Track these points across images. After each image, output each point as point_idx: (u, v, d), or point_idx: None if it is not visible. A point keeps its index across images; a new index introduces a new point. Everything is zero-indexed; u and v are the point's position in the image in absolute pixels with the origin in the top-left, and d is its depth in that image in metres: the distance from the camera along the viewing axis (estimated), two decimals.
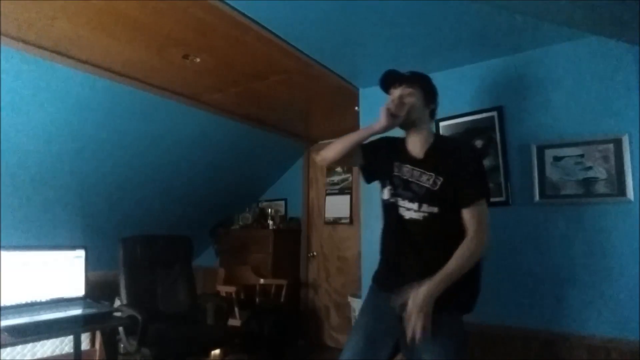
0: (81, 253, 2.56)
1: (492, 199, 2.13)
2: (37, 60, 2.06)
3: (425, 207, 1.46)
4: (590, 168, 1.92)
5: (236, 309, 3.38)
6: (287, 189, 4.43)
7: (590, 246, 1.90)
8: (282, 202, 4.42)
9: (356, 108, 2.72)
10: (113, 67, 2.31)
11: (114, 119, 2.57)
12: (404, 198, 1.51)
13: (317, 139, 4.14)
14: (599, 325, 1.84)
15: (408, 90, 1.52)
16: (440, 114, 2.34)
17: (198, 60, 2.26)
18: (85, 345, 3.15)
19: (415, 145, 1.56)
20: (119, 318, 2.45)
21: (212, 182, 3.70)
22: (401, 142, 1.61)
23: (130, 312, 2.47)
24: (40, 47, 2.03)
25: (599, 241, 1.88)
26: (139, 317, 2.36)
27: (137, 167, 3.00)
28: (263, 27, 1.93)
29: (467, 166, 1.48)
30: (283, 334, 3.63)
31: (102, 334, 2.49)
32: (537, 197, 2.03)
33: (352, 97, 2.71)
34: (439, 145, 1.55)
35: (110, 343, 2.45)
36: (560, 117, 2.03)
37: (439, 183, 1.45)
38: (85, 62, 2.21)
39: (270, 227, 4.03)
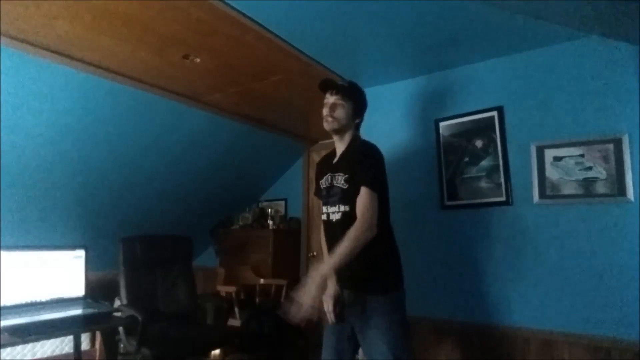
0: (81, 253, 2.55)
1: (492, 199, 2.16)
2: (37, 61, 2.06)
3: (342, 207, 1.64)
4: (590, 168, 1.93)
5: (236, 309, 3.38)
6: (287, 189, 4.43)
7: (590, 246, 1.90)
8: (282, 202, 4.42)
9: None
10: (113, 67, 2.31)
11: (114, 119, 2.57)
12: (331, 204, 1.68)
13: (317, 139, 4.14)
14: (599, 325, 1.84)
15: (340, 101, 1.68)
16: (440, 114, 2.37)
17: (198, 60, 2.26)
18: (85, 345, 3.15)
19: (338, 151, 1.76)
20: (119, 318, 2.45)
21: (212, 182, 3.70)
22: (331, 153, 1.81)
23: (130, 312, 2.47)
24: (40, 47, 2.03)
25: (599, 241, 1.88)
26: (139, 317, 2.36)
27: (137, 167, 3.00)
28: (263, 27, 1.93)
29: (362, 159, 1.63)
30: (283, 334, 3.62)
31: (102, 334, 2.49)
32: (537, 197, 2.03)
33: None
34: (351, 147, 1.72)
35: (110, 343, 2.45)
36: (560, 117, 2.03)
37: (348, 180, 1.63)
38: (85, 62, 2.21)
39: (270, 227, 4.02)
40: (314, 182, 4.58)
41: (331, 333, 1.70)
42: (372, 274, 1.60)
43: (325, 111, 1.71)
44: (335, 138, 1.75)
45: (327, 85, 1.72)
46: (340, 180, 1.66)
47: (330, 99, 1.70)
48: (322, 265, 1.53)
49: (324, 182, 1.76)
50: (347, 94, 1.69)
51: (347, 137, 1.73)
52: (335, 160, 1.74)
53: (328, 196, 1.70)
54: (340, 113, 1.68)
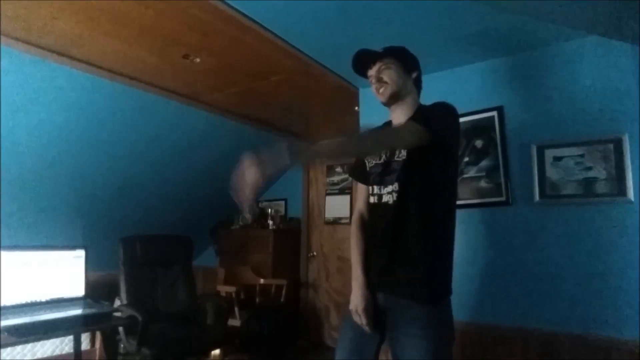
0: (81, 253, 2.56)
1: (492, 199, 2.16)
2: (37, 60, 2.07)
3: (400, 186, 1.31)
4: (590, 168, 1.92)
5: (236, 309, 3.38)
6: (287, 189, 4.43)
7: (590, 246, 1.90)
8: (282, 202, 4.42)
9: (356, 108, 2.72)
10: (113, 67, 2.31)
11: (114, 119, 2.57)
12: (387, 183, 1.35)
13: (317, 139, 4.14)
14: (599, 325, 1.84)
15: (384, 65, 1.40)
16: None
17: (198, 60, 2.26)
18: (85, 345, 3.15)
19: (399, 119, 1.42)
20: (119, 318, 2.45)
21: (212, 182, 3.69)
22: (384, 126, 1.51)
23: (130, 312, 2.47)
24: (40, 47, 2.03)
25: (599, 241, 1.88)
26: (139, 317, 2.36)
27: (137, 167, 3.00)
28: (263, 27, 1.93)
29: (435, 113, 1.31)
30: (283, 334, 3.63)
31: (102, 334, 2.49)
32: (537, 197, 2.03)
33: (352, 97, 2.71)
34: (421, 112, 1.39)
35: (110, 343, 2.45)
36: (560, 117, 2.03)
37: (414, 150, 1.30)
38: (85, 62, 2.21)
39: (270, 227, 4.03)
40: (314, 182, 4.60)
41: (349, 331, 1.43)
42: (425, 277, 1.26)
43: (373, 86, 1.44)
44: (393, 108, 1.44)
45: (362, 60, 1.44)
46: (404, 152, 1.32)
47: (372, 71, 1.42)
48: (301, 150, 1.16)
49: (376, 157, 1.45)
50: (387, 55, 1.41)
51: (409, 103, 1.42)
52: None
53: (384, 174, 1.37)
54: (389, 75, 1.39)
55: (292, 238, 4.21)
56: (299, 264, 4.23)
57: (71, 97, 2.31)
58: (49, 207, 2.75)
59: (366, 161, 1.48)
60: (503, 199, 2.13)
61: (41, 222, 2.79)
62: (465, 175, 2.25)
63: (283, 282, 3.71)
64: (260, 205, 4.44)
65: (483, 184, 2.20)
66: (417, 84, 1.47)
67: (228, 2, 1.74)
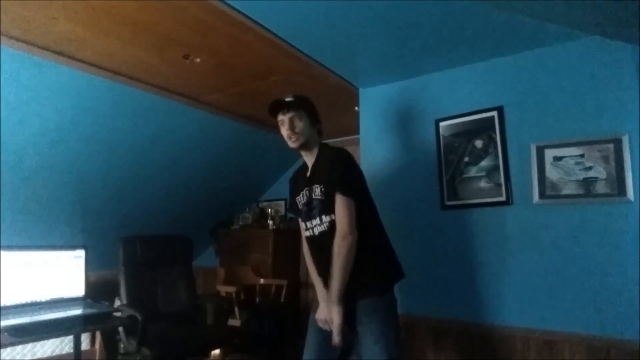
0: (81, 253, 2.55)
1: (492, 199, 2.16)
2: (38, 60, 2.07)
3: (324, 217, 1.61)
4: (590, 168, 1.92)
5: (236, 309, 3.38)
6: (287, 189, 4.39)
7: (590, 246, 1.90)
8: (282, 202, 4.42)
9: (356, 108, 2.72)
10: (113, 67, 2.31)
11: (114, 119, 2.57)
12: (313, 217, 1.65)
13: None
14: (599, 325, 1.84)
15: (296, 115, 1.67)
16: (440, 114, 2.37)
17: (198, 60, 2.26)
18: (85, 345, 3.15)
19: (310, 164, 1.75)
20: (119, 318, 2.44)
21: (212, 182, 3.70)
22: (302, 168, 1.81)
23: (130, 312, 2.47)
24: (40, 47, 2.03)
25: (599, 241, 1.88)
26: (139, 317, 2.36)
27: (137, 167, 3.00)
28: (263, 27, 1.93)
29: (331, 166, 1.63)
30: (283, 334, 3.63)
31: (102, 334, 2.49)
32: (537, 197, 2.03)
33: (352, 97, 2.71)
34: (321, 157, 1.71)
35: (110, 343, 2.45)
36: (560, 117, 2.03)
37: (324, 191, 1.61)
38: (85, 62, 2.21)
39: (270, 227, 4.02)
40: None
41: (314, 333, 1.72)
42: (354, 280, 1.55)
43: (284, 131, 1.69)
44: (304, 153, 1.75)
45: (277, 106, 1.69)
46: (317, 191, 1.63)
47: (284, 117, 1.68)
48: (329, 298, 1.56)
49: (301, 198, 1.73)
50: (298, 106, 1.68)
51: (315, 149, 1.73)
52: (308, 174, 1.73)
53: (309, 210, 1.68)
54: (300, 126, 1.67)
55: (292, 238, 4.19)
56: (299, 264, 4.22)
57: (71, 97, 2.31)
58: (49, 207, 2.75)
59: (297, 201, 1.77)
60: (503, 199, 2.13)
61: (41, 222, 2.79)
62: (465, 175, 2.25)
63: (283, 282, 3.71)
64: (260, 205, 4.44)
65: (483, 184, 2.20)
66: (320, 133, 1.78)
67: (228, 2, 1.74)
